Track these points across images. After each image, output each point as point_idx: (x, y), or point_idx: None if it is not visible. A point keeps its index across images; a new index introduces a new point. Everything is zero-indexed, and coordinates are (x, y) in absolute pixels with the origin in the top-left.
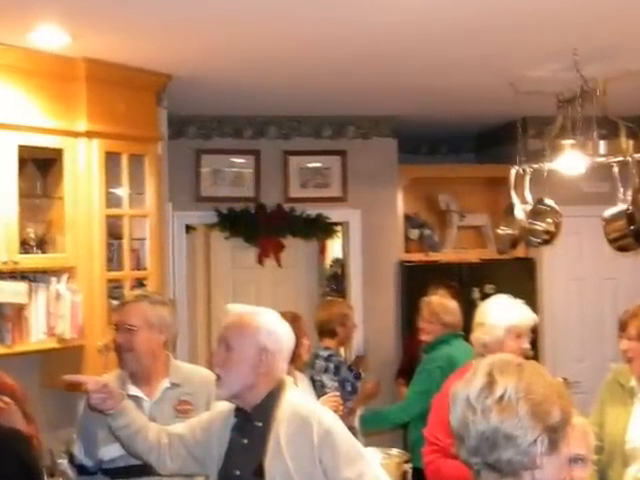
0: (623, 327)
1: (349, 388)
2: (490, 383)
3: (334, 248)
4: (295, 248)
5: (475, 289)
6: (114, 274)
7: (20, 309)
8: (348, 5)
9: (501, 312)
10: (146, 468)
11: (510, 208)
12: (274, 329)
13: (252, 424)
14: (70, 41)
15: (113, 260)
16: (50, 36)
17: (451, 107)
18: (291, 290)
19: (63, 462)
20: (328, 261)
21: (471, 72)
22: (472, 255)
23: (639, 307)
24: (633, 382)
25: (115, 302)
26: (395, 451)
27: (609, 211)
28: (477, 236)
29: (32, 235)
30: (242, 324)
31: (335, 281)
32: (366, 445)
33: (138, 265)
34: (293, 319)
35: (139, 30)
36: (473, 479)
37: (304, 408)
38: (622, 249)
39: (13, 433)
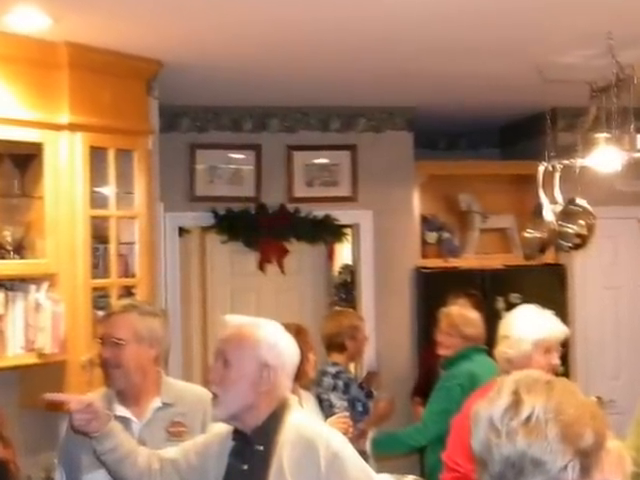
0: None
1: (360, 408)
2: (516, 402)
3: (343, 253)
4: (300, 253)
5: (499, 298)
6: (100, 282)
7: None
8: None
9: (528, 324)
10: None
11: (538, 209)
12: (276, 343)
13: (252, 448)
14: (51, 24)
15: (98, 266)
16: (29, 18)
17: (472, 97)
18: (295, 299)
19: None
20: (336, 267)
21: (495, 58)
22: (496, 261)
23: None
24: None
25: (101, 313)
26: (411, 478)
27: None
28: (501, 240)
29: (9, 239)
30: (241, 337)
31: (344, 289)
32: (378, 471)
33: (126, 272)
34: (298, 332)
35: (127, 11)
36: None
37: (310, 430)
38: None
39: None
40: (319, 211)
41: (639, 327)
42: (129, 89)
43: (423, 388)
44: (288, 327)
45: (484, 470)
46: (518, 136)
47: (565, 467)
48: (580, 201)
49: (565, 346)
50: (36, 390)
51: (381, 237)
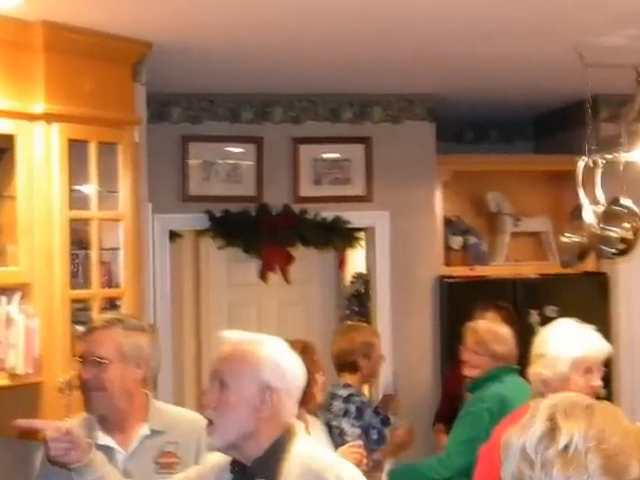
0: None
1: (375, 436)
2: (552, 430)
3: (356, 260)
4: (307, 260)
5: (533, 312)
6: (79, 293)
7: None
8: None
9: (566, 341)
10: None
11: (577, 210)
12: (280, 362)
13: None
14: (24, 0)
15: (78, 275)
16: None
17: (503, 83)
18: (302, 313)
19: None
20: (348, 277)
21: (528, 39)
22: (529, 269)
23: None
24: None
25: (81, 328)
26: None
27: None
28: (535, 245)
29: None
30: (240, 356)
31: (357, 301)
32: None
33: (110, 281)
34: (304, 349)
35: None
36: None
37: (318, 461)
38: None
39: None
40: (328, 212)
41: None
42: (113, 74)
43: (446, 414)
44: (293, 344)
45: None
46: (555, 127)
47: None
48: (625, 201)
49: (608, 366)
50: (7, 416)
51: (399, 242)
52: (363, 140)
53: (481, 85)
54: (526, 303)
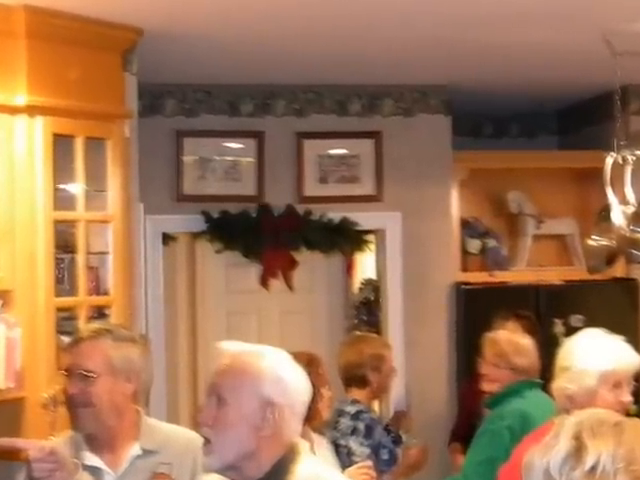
0: None
1: (385, 456)
2: (578, 449)
3: (365, 265)
4: (312, 265)
5: (557, 321)
6: (65, 300)
7: None
8: None
9: (593, 353)
10: None
11: (605, 211)
12: (283, 376)
13: None
14: None
15: (63, 281)
16: None
17: (524, 73)
18: (306, 323)
19: None
20: (357, 283)
21: (552, 25)
22: (553, 275)
23: None
24: None
25: (66, 339)
26: None
27: None
28: (560, 249)
29: None
30: (239, 369)
31: (366, 310)
32: None
33: (97, 288)
34: (309, 362)
35: None
36: None
37: None
38: None
39: None
40: (335, 213)
41: None
42: (101, 63)
43: (463, 432)
44: (297, 357)
45: None
46: (581, 121)
47: None
48: None
49: (638, 380)
50: None
51: (412, 245)
52: (372, 135)
53: (501, 75)
54: (550, 312)
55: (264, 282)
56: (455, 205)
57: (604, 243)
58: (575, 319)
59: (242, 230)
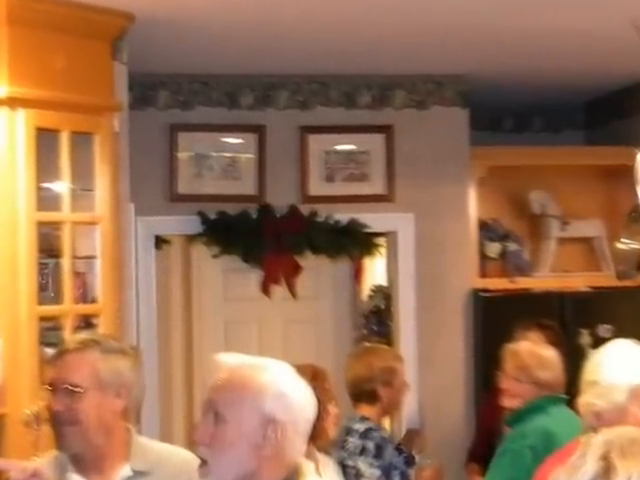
0: None
1: (397, 478)
2: (606, 471)
3: (375, 271)
4: (317, 271)
5: (584, 331)
6: (49, 309)
7: None
8: None
9: (622, 366)
10: None
11: (635, 212)
12: (286, 391)
13: None
14: None
15: (47, 288)
16: None
17: (548, 62)
18: (311, 333)
19: None
20: (366, 290)
21: (578, 11)
22: (579, 281)
23: None
24: None
25: (50, 351)
26: None
27: None
28: (586, 253)
29: None
30: (239, 384)
31: (376, 320)
32: None
33: (85, 296)
34: (314, 376)
35: None
36: None
37: None
38: None
39: None
40: (342, 214)
41: None
42: (89, 52)
43: (482, 451)
44: (302, 370)
45: None
46: (609, 114)
47: None
48: None
49: None
50: None
51: (426, 249)
52: (383, 129)
53: (523, 65)
54: (576, 321)
55: (265, 289)
56: (473, 205)
57: (634, 247)
58: (603, 329)
59: (241, 232)
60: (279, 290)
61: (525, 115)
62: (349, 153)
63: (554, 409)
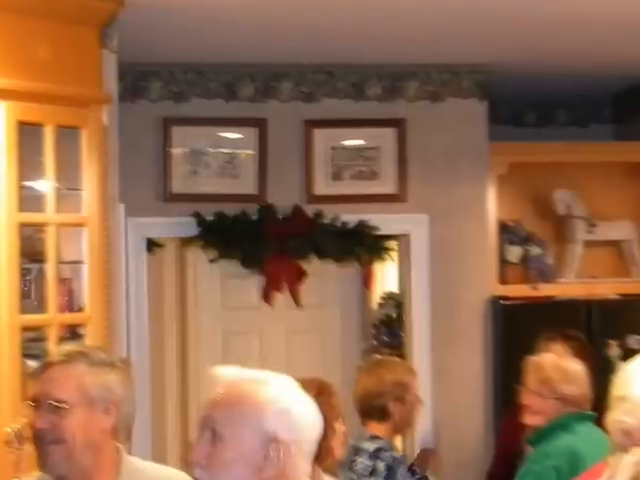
0: None
1: None
2: None
3: (386, 277)
4: (323, 277)
5: (612, 342)
6: (32, 318)
7: None
8: None
9: None
10: None
11: None
12: (289, 407)
13: None
14: None
15: (30, 296)
16: None
17: (574, 51)
18: (317, 345)
19: None
20: (376, 298)
21: None
22: (607, 288)
23: None
24: None
25: (34, 364)
26: None
27: None
28: (615, 257)
29: None
30: (238, 400)
31: (387, 330)
32: None
33: (70, 304)
34: (320, 391)
35: None
36: None
37: None
38: None
39: None
40: (350, 216)
41: None
42: (75, 39)
43: (502, 473)
44: (306, 385)
45: None
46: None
47: None
48: None
49: None
50: None
51: (441, 253)
52: (395, 123)
53: (547, 53)
54: (603, 331)
55: (267, 297)
56: (492, 206)
57: None
58: (633, 340)
59: (241, 235)
60: (281, 298)
61: (549, 108)
62: (357, 149)
63: (580, 427)
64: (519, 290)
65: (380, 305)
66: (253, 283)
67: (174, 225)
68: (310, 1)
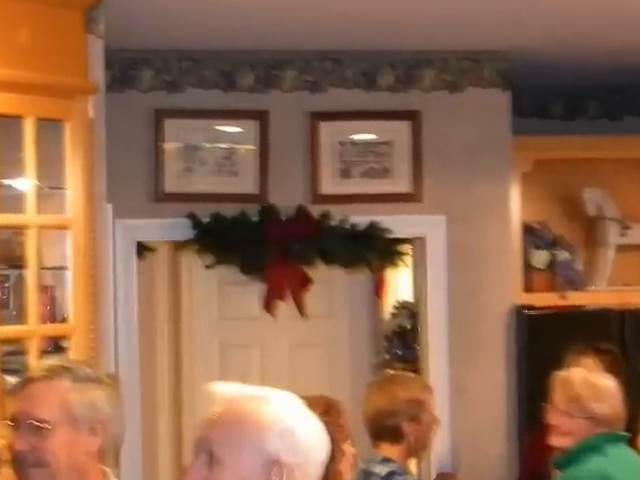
0: None
1: None
2: None
3: (399, 284)
4: (330, 284)
5: None
6: (11, 330)
7: None
8: None
9: None
10: None
11: None
12: (293, 428)
13: None
14: None
15: (9, 305)
16: None
17: (606, 36)
18: (323, 358)
19: None
20: (389, 307)
21: None
22: None
23: None
24: None
25: (12, 380)
26: None
27: None
28: None
29: None
30: (237, 419)
31: (401, 342)
32: None
33: (53, 314)
34: (327, 410)
35: None
36: None
37: None
38: None
39: None
40: (360, 217)
41: None
42: (57, 23)
43: None
44: (312, 403)
45: None
46: None
47: None
48: None
49: None
50: None
51: (460, 259)
52: (409, 115)
53: (576, 38)
54: (638, 344)
55: (268, 306)
56: (516, 206)
57: None
58: None
59: (240, 238)
60: (284, 307)
61: (578, 98)
62: (368, 144)
63: (612, 449)
64: (545, 299)
65: (393, 315)
66: (253, 291)
67: (167, 227)
68: None
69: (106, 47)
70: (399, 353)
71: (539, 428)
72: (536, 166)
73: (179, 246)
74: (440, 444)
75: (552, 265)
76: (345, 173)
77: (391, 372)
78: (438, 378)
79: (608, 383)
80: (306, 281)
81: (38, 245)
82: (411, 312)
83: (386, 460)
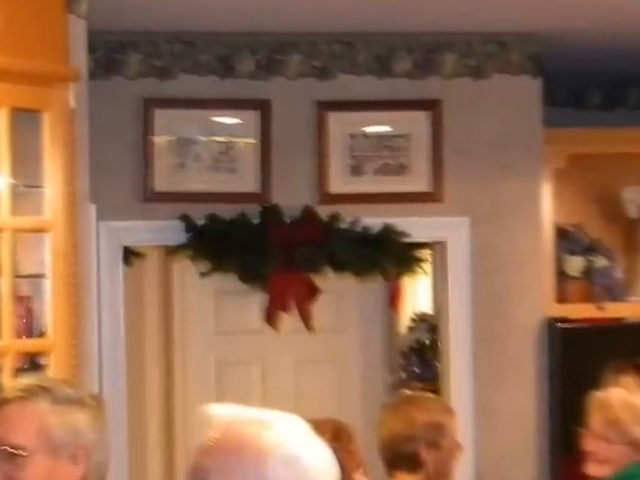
0: None
1: None
2: None
3: (417, 294)
4: (340, 294)
5: None
6: None
7: None
8: None
9: None
10: None
11: None
12: (297, 456)
13: None
14: None
15: None
16: None
17: None
18: (332, 377)
19: None
20: (405, 320)
21: None
22: None
23: None
24: None
25: None
26: None
27: None
28: None
29: None
30: (235, 445)
31: (419, 359)
32: None
33: (30, 327)
34: (336, 435)
35: None
36: None
37: None
38: None
39: None
40: (374, 219)
41: None
42: (35, 2)
43: None
44: (320, 427)
45: None
46: None
47: None
48: None
49: None
50: None
51: (485, 265)
52: (428, 105)
53: (614, 19)
54: None
55: (270, 318)
56: (547, 207)
57: None
58: None
59: (239, 243)
60: (289, 320)
61: (617, 86)
62: (382, 137)
63: None
64: (581, 310)
65: (410, 329)
66: (254, 302)
67: (157, 230)
68: None
69: (89, 29)
70: (417, 371)
71: (573, 455)
72: (570, 162)
73: (171, 251)
74: (463, 473)
75: (588, 273)
76: (356, 170)
77: (408, 392)
78: (460, 399)
79: None
80: (313, 291)
81: (13, 250)
82: (430, 325)
83: None
